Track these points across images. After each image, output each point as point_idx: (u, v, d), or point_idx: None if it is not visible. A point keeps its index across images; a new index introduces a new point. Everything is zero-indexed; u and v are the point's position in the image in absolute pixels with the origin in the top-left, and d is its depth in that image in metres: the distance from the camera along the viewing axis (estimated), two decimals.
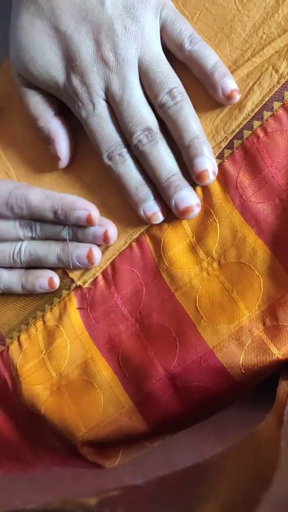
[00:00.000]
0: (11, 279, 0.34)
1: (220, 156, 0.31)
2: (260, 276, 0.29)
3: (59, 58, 0.29)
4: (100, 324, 0.33)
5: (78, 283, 0.34)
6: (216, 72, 0.29)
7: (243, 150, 0.30)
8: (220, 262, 0.30)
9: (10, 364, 0.35)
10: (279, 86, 0.29)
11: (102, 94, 0.29)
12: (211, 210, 0.31)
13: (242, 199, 0.30)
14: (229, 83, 0.29)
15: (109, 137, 0.30)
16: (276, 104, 0.29)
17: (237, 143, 0.30)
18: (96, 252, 0.32)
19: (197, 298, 0.31)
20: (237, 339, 0.29)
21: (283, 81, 0.29)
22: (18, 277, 0.34)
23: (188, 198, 0.29)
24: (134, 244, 0.33)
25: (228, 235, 0.30)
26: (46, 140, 0.33)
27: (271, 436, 0.23)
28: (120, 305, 0.33)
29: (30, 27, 0.29)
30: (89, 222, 0.31)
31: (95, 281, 0.33)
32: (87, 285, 0.34)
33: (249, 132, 0.30)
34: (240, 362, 0.29)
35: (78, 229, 0.32)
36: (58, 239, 0.33)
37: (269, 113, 0.29)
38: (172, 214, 0.31)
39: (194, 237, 0.31)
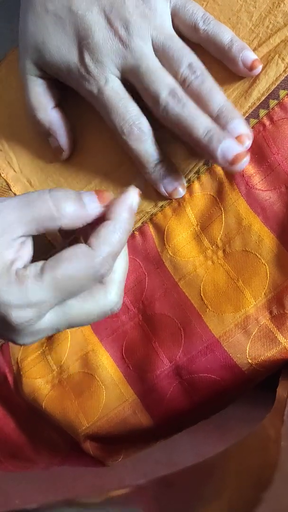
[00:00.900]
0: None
1: None
2: (266, 264, 0.29)
3: (72, 38, 0.29)
4: None
5: None
6: (234, 46, 0.29)
7: None
8: (225, 250, 0.30)
9: (11, 358, 0.34)
10: (285, 75, 0.29)
11: (116, 71, 0.29)
12: (216, 198, 0.30)
13: (248, 187, 0.30)
14: (249, 54, 0.29)
15: (124, 109, 0.29)
16: (282, 93, 0.29)
17: None
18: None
19: (202, 287, 0.30)
20: (244, 328, 0.29)
21: None
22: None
23: (233, 146, 0.27)
24: (136, 233, 0.32)
25: (233, 223, 0.30)
26: (46, 133, 0.33)
27: (272, 436, 0.22)
28: None
29: (43, 11, 0.29)
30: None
31: None
32: None
33: (255, 120, 0.30)
34: (247, 352, 0.28)
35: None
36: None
37: (275, 101, 0.29)
38: (176, 203, 0.31)
39: (198, 226, 0.31)
